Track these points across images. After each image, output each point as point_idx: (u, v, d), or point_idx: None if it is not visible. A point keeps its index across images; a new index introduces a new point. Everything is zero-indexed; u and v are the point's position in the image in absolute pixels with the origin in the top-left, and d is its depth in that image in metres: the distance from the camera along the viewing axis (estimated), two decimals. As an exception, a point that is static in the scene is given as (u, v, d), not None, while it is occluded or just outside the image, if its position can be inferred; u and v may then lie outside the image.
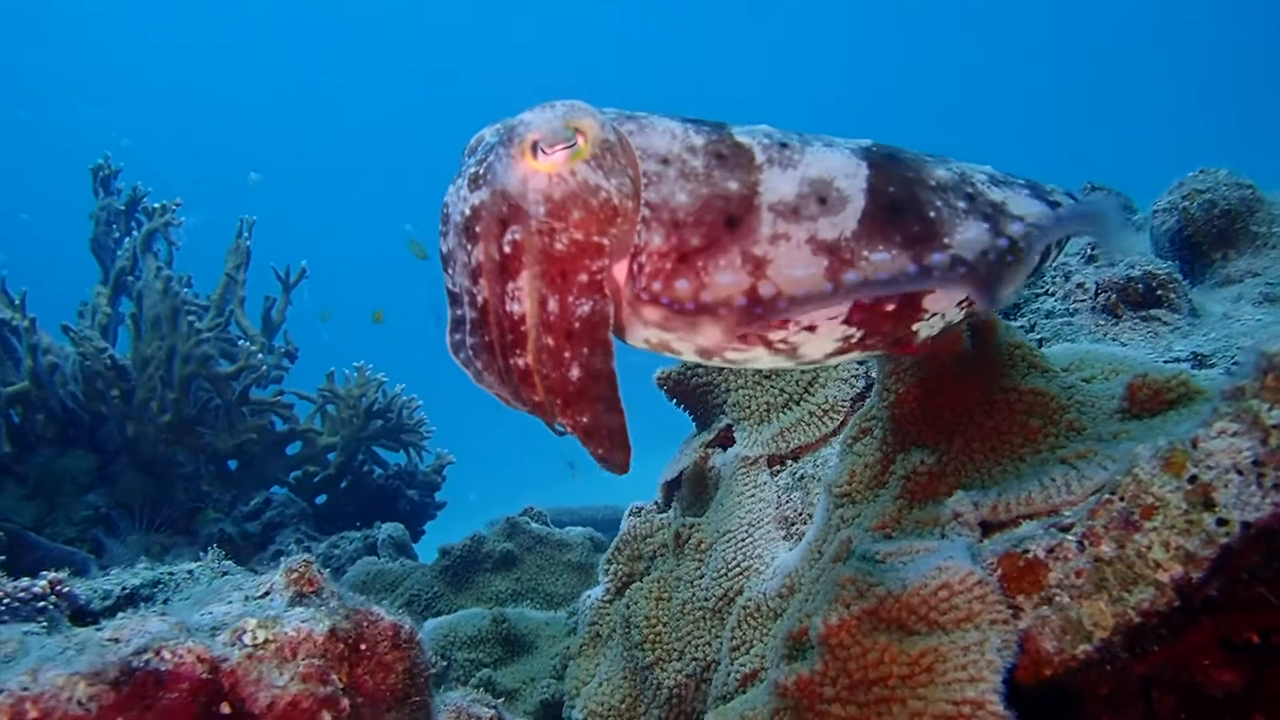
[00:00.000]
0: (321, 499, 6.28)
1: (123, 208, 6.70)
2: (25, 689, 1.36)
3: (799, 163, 1.42)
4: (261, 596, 1.75)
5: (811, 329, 1.40)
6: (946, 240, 1.43)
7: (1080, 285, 2.37)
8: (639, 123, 1.43)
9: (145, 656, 1.47)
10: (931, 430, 1.91)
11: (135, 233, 6.50)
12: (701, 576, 2.35)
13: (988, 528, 1.65)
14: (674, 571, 2.44)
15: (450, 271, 1.43)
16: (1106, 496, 1.46)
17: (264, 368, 5.86)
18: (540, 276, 1.33)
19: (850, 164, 1.44)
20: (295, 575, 1.75)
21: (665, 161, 1.39)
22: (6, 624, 1.73)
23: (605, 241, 1.34)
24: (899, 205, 1.43)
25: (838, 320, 1.40)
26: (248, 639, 1.56)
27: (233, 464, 6.12)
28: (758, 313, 1.35)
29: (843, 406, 2.40)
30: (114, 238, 6.71)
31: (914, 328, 1.47)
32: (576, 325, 1.33)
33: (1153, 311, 2.25)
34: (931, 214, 1.44)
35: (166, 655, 1.48)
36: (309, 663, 1.59)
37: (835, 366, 2.45)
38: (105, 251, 6.73)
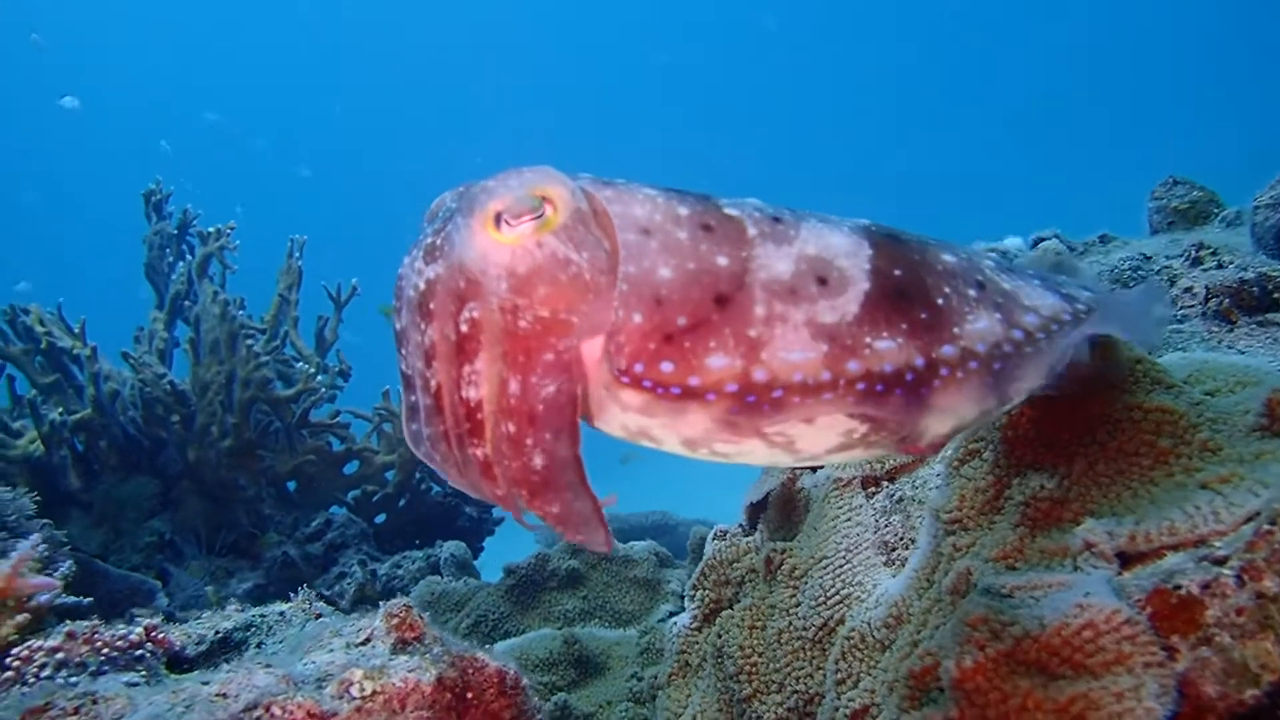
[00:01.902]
0: (381, 518, 6.28)
1: (175, 231, 6.76)
2: (139, 753, 1.33)
3: (794, 239, 1.31)
4: (363, 643, 1.70)
5: (809, 421, 1.29)
6: (956, 331, 1.32)
7: (1188, 290, 2.26)
8: (617, 190, 1.32)
9: (256, 714, 1.43)
10: (1049, 453, 1.82)
11: (189, 256, 6.55)
12: (798, 604, 2.27)
13: (1126, 559, 1.56)
14: (766, 599, 2.36)
15: (403, 352, 1.32)
16: (1265, 527, 1.36)
17: (322, 389, 5.87)
18: (501, 358, 1.22)
19: (851, 243, 1.33)
20: (396, 621, 1.70)
21: (646, 232, 1.27)
22: (107, 674, 1.70)
23: (574, 319, 1.23)
24: (905, 290, 1.32)
25: (840, 413, 1.29)
26: (355, 691, 1.52)
27: (291, 485, 6.14)
28: (750, 400, 1.24)
29: (938, 424, 2.30)
30: (168, 262, 6.77)
31: (922, 425, 1.34)
32: (540, 408, 1.22)
33: (1270, 316, 2.13)
34: (940, 301, 1.33)
35: (277, 711, 1.44)
36: (418, 715, 1.54)
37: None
38: (159, 276, 6.79)
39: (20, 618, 1.56)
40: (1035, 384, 1.43)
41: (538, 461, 1.22)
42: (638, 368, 1.23)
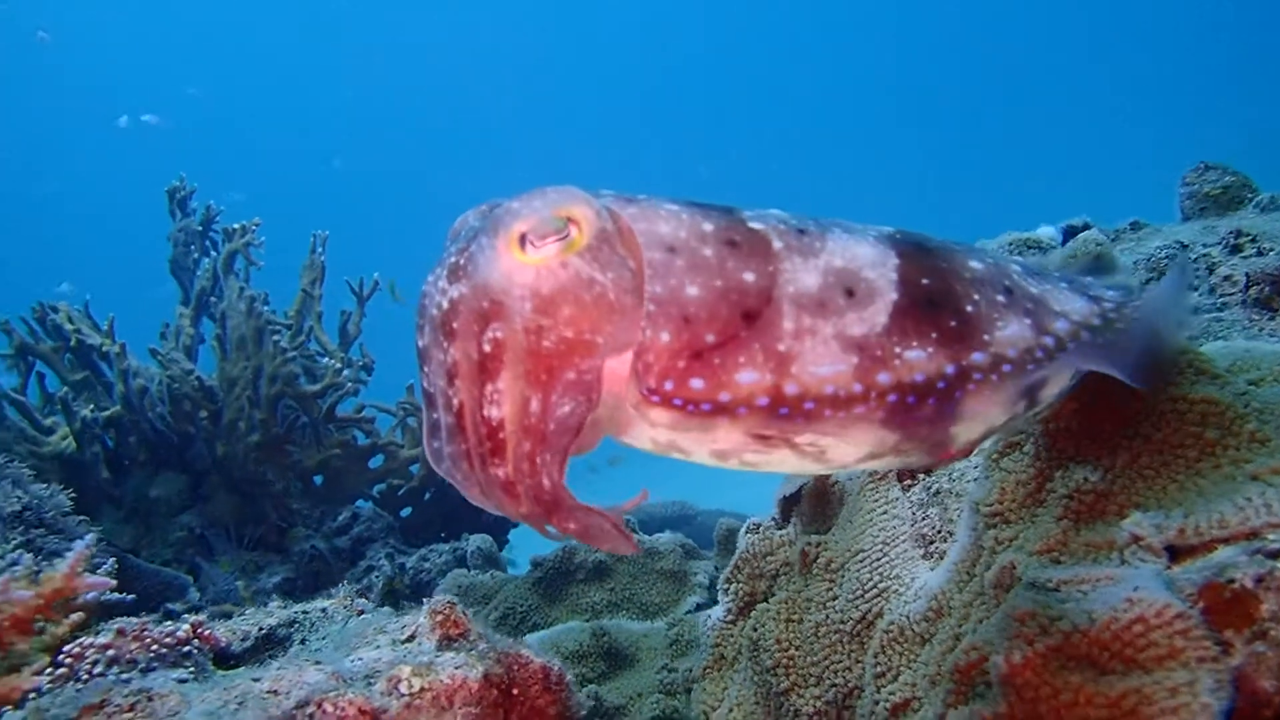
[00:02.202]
0: (406, 511, 6.31)
1: (199, 228, 6.80)
2: (197, 751, 1.34)
3: (820, 251, 1.31)
4: (407, 640, 1.71)
5: (842, 432, 1.29)
6: (986, 338, 1.32)
7: (1228, 278, 2.23)
8: (640, 207, 1.32)
9: (308, 710, 1.44)
10: (1092, 445, 1.81)
11: (214, 252, 6.59)
12: (835, 598, 2.26)
13: (1175, 553, 1.55)
14: (802, 592, 2.36)
15: (426, 370, 1.32)
16: (1320, 520, 1.35)
17: (349, 384, 5.90)
18: (524, 377, 1.23)
19: (877, 253, 1.33)
20: (440, 617, 1.71)
21: (672, 250, 1.28)
22: (157, 671, 1.72)
23: (599, 339, 1.23)
24: (934, 299, 1.32)
25: (872, 423, 1.29)
26: (404, 688, 1.53)
27: (317, 480, 6.18)
28: (782, 413, 1.25)
29: (975, 416, 2.29)
30: (193, 258, 6.82)
31: (952, 431, 1.34)
32: (552, 427, 1.23)
33: (1313, 305, 2.11)
34: (969, 309, 1.33)
35: (329, 709, 1.45)
36: (466, 711, 1.55)
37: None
38: (184, 272, 6.83)
39: (75, 616, 1.58)
40: (1065, 387, 1.43)
41: (546, 482, 1.24)
42: (667, 385, 1.24)
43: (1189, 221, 3.60)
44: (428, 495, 6.34)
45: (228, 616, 2.32)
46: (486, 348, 1.24)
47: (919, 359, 1.28)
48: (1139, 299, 1.51)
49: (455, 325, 1.26)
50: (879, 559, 2.21)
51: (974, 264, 1.39)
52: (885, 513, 2.28)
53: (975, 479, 2.13)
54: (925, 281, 1.32)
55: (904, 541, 2.22)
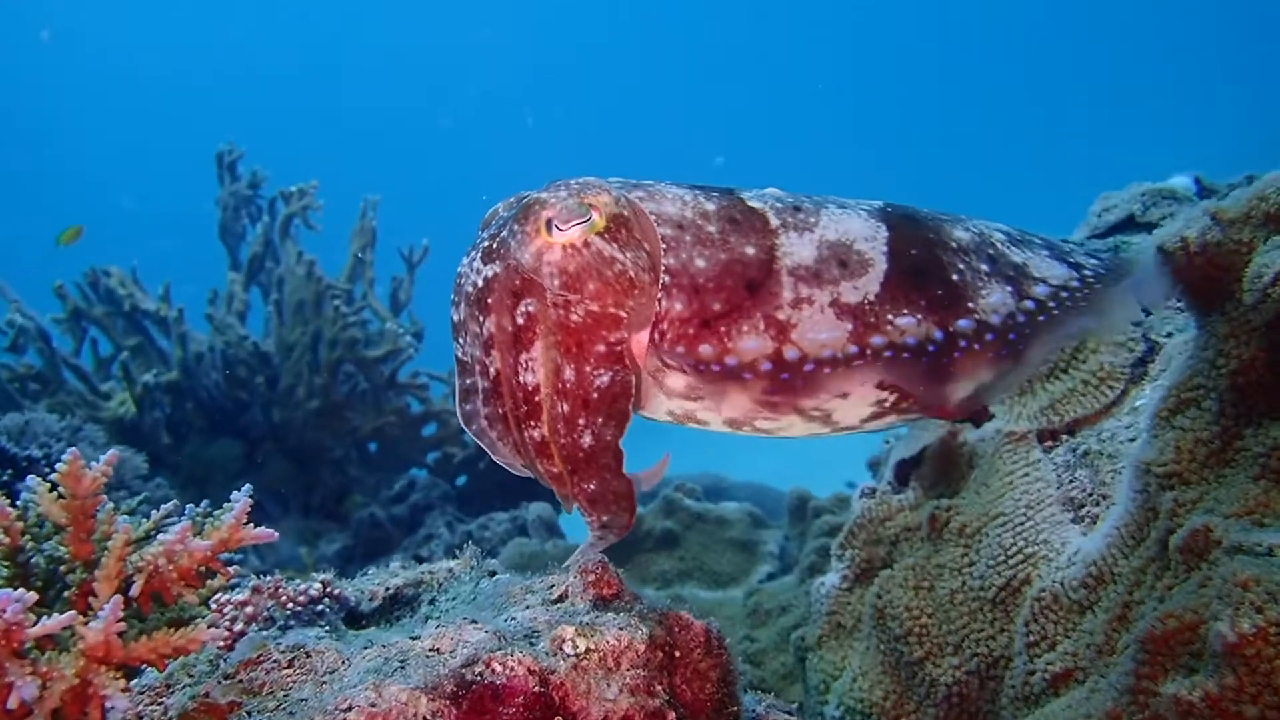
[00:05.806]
0: (462, 479, 6.23)
1: (249, 193, 6.71)
2: (374, 705, 1.27)
3: (814, 225, 1.42)
4: (558, 600, 1.62)
5: (844, 395, 1.39)
6: (971, 305, 1.42)
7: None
8: (648, 190, 1.44)
9: (477, 669, 1.36)
10: (1287, 400, 1.68)
11: (265, 217, 6.50)
12: (971, 564, 2.15)
13: (1407, 513, 1.43)
14: (932, 558, 2.25)
15: (461, 341, 1.45)
16: None
17: (410, 350, 5.81)
18: (555, 346, 1.35)
19: (868, 226, 1.44)
20: (593, 578, 1.62)
21: (680, 227, 1.40)
22: (294, 629, 1.64)
23: (623, 314, 1.36)
24: (921, 268, 1.42)
25: (870, 385, 1.39)
26: (569, 648, 1.44)
27: (372, 446, 6.11)
28: (784, 378, 1.35)
29: (1121, 374, 2.17)
30: (241, 224, 6.73)
31: (946, 390, 1.44)
32: (594, 395, 1.34)
33: None
34: (955, 277, 1.43)
35: (497, 667, 1.37)
36: (634, 673, 1.46)
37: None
38: (233, 237, 6.75)
39: (232, 568, 1.51)
40: (1051, 345, 1.50)
41: (586, 440, 1.35)
42: (679, 349, 1.36)
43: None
44: (483, 464, 6.26)
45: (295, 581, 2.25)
46: (520, 320, 1.36)
47: (909, 324, 1.38)
48: (1111, 262, 1.61)
49: (490, 300, 1.39)
50: (1022, 523, 2.10)
51: (960, 234, 1.48)
52: (1027, 475, 2.16)
53: (1134, 439, 2.00)
54: (914, 252, 1.42)
55: (1050, 505, 2.10)
